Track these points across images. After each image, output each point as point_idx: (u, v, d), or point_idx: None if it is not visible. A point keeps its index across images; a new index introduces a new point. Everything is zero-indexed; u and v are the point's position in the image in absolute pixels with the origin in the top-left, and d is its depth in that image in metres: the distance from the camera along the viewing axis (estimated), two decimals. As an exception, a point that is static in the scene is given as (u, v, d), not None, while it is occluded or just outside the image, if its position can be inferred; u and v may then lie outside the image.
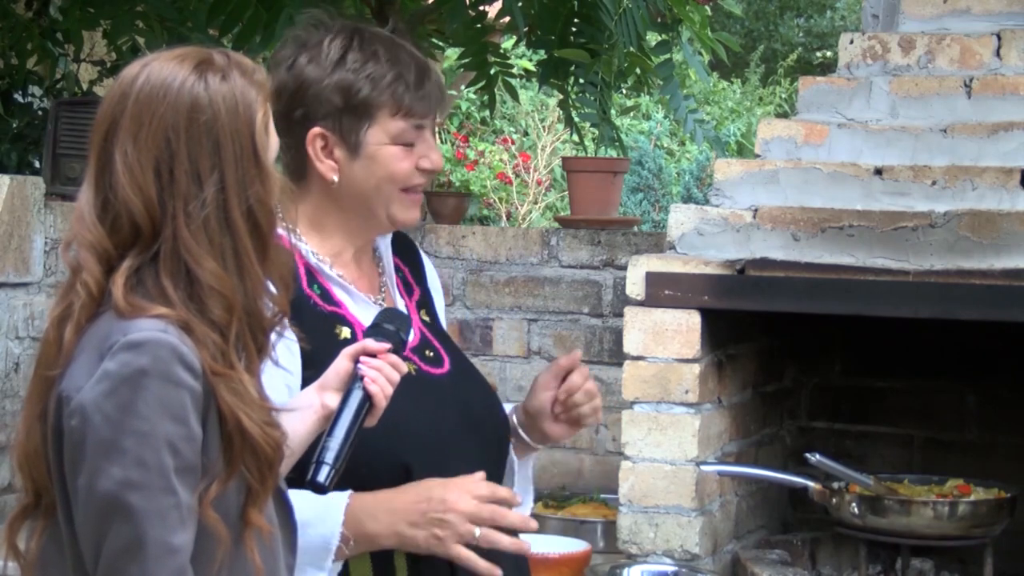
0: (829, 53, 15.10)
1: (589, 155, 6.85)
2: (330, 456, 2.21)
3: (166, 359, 1.89)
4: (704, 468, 3.74)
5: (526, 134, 11.19)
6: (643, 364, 3.77)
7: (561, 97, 5.99)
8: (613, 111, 6.15)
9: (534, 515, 4.20)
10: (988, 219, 3.64)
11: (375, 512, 2.39)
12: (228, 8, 5.18)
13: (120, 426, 1.87)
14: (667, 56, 5.69)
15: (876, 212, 3.75)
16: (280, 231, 2.54)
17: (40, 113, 6.15)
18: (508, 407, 2.76)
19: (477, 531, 2.38)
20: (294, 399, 2.28)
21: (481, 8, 5.65)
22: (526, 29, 5.67)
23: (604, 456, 4.87)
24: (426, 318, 2.69)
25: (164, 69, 1.99)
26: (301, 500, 2.23)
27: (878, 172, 3.87)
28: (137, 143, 1.96)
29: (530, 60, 9.61)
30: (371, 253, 2.67)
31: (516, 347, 4.97)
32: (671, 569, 3.62)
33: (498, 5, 5.58)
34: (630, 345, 3.79)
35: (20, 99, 6.28)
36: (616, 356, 4.12)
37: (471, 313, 4.99)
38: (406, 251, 2.75)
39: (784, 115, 11.86)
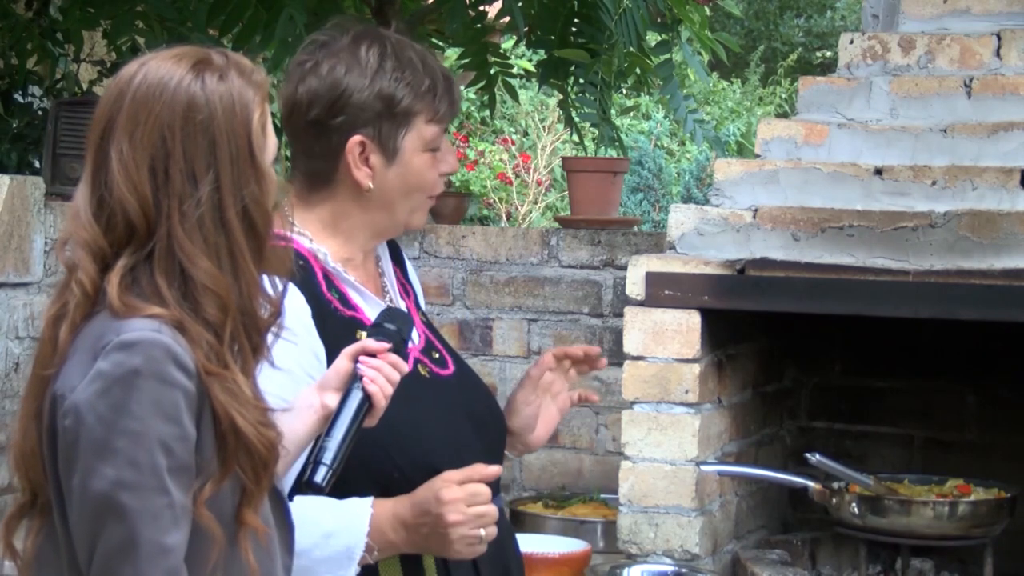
0: (829, 53, 15.10)
1: (589, 155, 6.85)
2: (328, 456, 2.20)
3: (159, 359, 1.89)
4: (704, 468, 3.73)
5: (526, 134, 11.19)
6: (643, 364, 3.77)
7: (561, 97, 5.99)
8: (613, 111, 6.15)
9: (534, 515, 4.21)
10: (988, 219, 3.64)
11: (394, 525, 2.42)
12: (228, 8, 5.18)
13: (113, 426, 1.87)
14: (667, 56, 5.69)
15: (876, 212, 3.75)
16: (295, 236, 2.57)
17: (40, 113, 6.15)
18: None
19: (483, 532, 2.40)
20: (293, 399, 2.27)
21: (481, 8, 5.65)
22: (526, 29, 5.67)
23: (604, 456, 4.86)
24: (423, 318, 2.73)
25: (161, 68, 1.99)
26: (324, 510, 2.24)
27: (878, 172, 3.87)
28: (133, 141, 1.96)
29: (530, 60, 9.61)
30: (373, 258, 2.70)
31: (516, 347, 4.97)
32: (671, 569, 3.61)
33: (498, 5, 5.58)
34: (630, 345, 3.79)
35: (20, 99, 6.28)
36: (616, 356, 4.12)
37: (471, 313, 4.99)
38: (394, 253, 2.78)
39: (784, 115, 11.86)
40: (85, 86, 6.33)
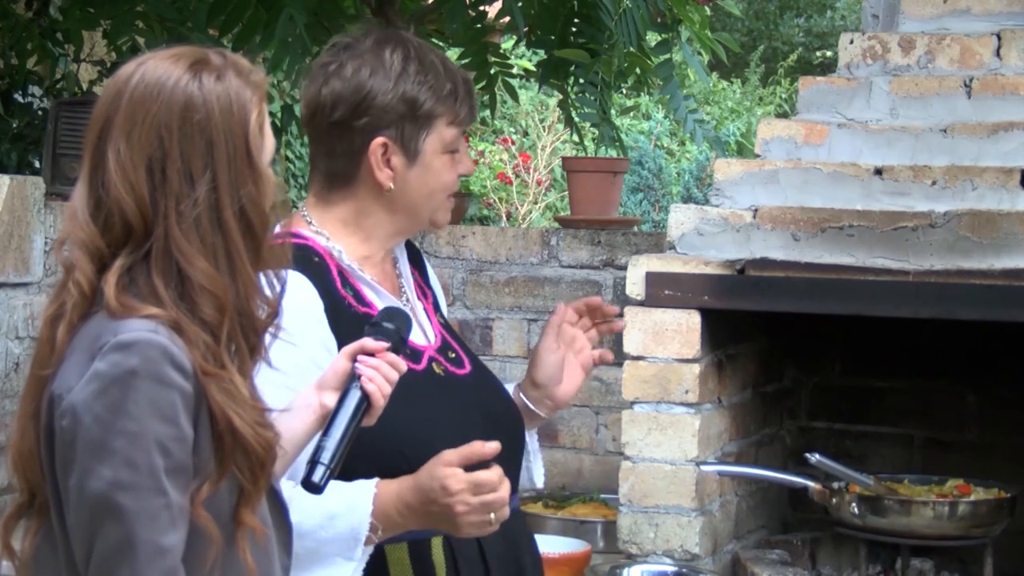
0: (829, 53, 15.10)
1: (589, 155, 6.85)
2: (326, 456, 2.20)
3: (156, 359, 1.89)
4: (704, 468, 3.73)
5: (526, 134, 11.19)
6: (643, 364, 3.77)
7: (561, 97, 5.99)
8: (613, 111, 6.15)
9: (534, 515, 4.21)
10: (988, 219, 3.64)
11: (398, 506, 2.41)
12: (228, 8, 5.18)
13: (110, 427, 1.87)
14: (667, 56, 5.69)
15: (876, 212, 3.75)
16: (308, 233, 2.57)
17: (40, 113, 6.15)
18: (510, 387, 2.79)
19: (492, 515, 2.40)
20: (292, 399, 2.27)
21: (481, 8, 5.65)
22: (526, 29, 5.67)
23: (604, 456, 4.86)
24: (441, 320, 2.75)
25: (159, 68, 1.99)
26: (329, 492, 2.24)
27: (878, 172, 3.87)
28: (130, 141, 1.96)
29: (529, 60, 9.61)
30: (391, 258, 2.73)
31: (516, 347, 4.97)
32: (671, 569, 3.61)
33: (498, 5, 5.58)
34: (630, 345, 3.79)
35: (20, 99, 6.28)
36: (616, 356, 4.12)
37: (471, 313, 4.99)
38: (414, 256, 2.81)
39: (784, 115, 11.86)
40: (85, 86, 6.33)
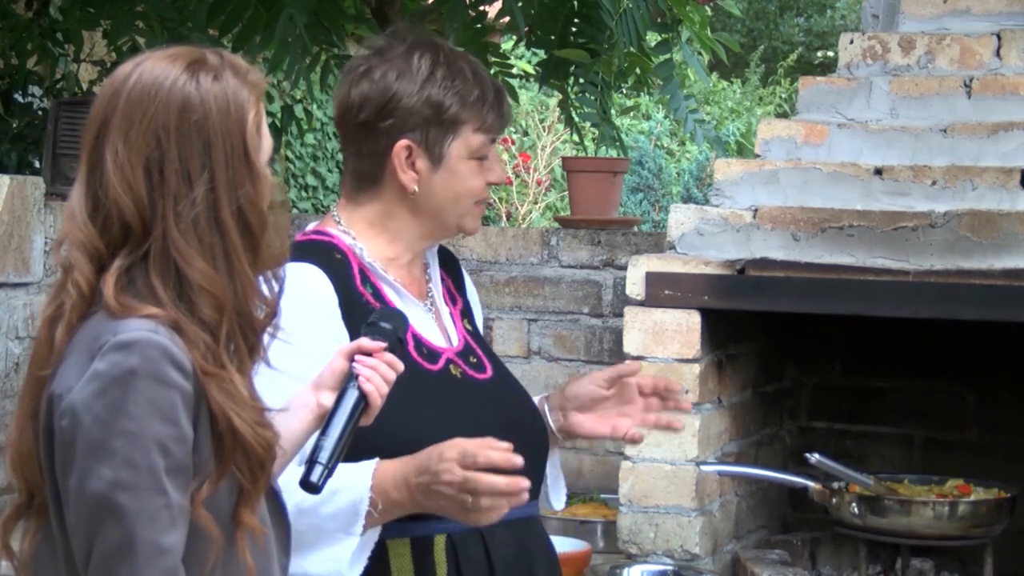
0: (830, 53, 15.10)
1: (589, 155, 6.85)
2: (324, 456, 2.20)
3: (156, 359, 1.88)
4: (704, 468, 3.73)
5: (526, 134, 11.20)
6: (643, 364, 3.77)
7: (561, 97, 5.99)
8: (613, 111, 6.15)
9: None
10: (988, 219, 3.64)
11: (396, 482, 2.41)
12: (228, 8, 5.18)
13: (110, 427, 1.87)
14: (667, 56, 5.69)
15: (876, 212, 3.75)
16: (335, 232, 2.57)
17: (40, 113, 6.15)
18: (536, 397, 2.78)
19: (469, 498, 2.36)
20: (289, 398, 2.27)
21: (481, 8, 5.65)
22: (526, 29, 5.67)
23: (604, 456, 4.86)
24: (468, 327, 2.74)
25: (156, 68, 1.99)
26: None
27: (878, 172, 3.87)
28: (128, 142, 1.96)
29: (529, 62, 9.61)
30: (421, 263, 2.73)
31: (516, 347, 4.97)
32: (671, 569, 3.61)
33: (498, 5, 5.59)
34: (630, 345, 3.79)
35: (20, 99, 6.29)
36: (616, 356, 4.12)
37: (471, 313, 4.98)
38: (449, 264, 2.82)
39: (784, 115, 11.86)
40: (85, 86, 6.33)
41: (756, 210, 3.85)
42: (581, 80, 5.41)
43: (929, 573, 3.85)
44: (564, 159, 5.94)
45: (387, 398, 2.29)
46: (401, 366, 2.30)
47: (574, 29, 5.59)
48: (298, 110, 8.51)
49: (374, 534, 2.45)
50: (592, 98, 5.31)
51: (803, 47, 16.56)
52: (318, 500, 2.33)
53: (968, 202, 3.76)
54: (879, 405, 4.33)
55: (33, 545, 1.99)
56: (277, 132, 7.04)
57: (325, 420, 2.24)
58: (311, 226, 2.69)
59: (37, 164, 5.90)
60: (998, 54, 4.06)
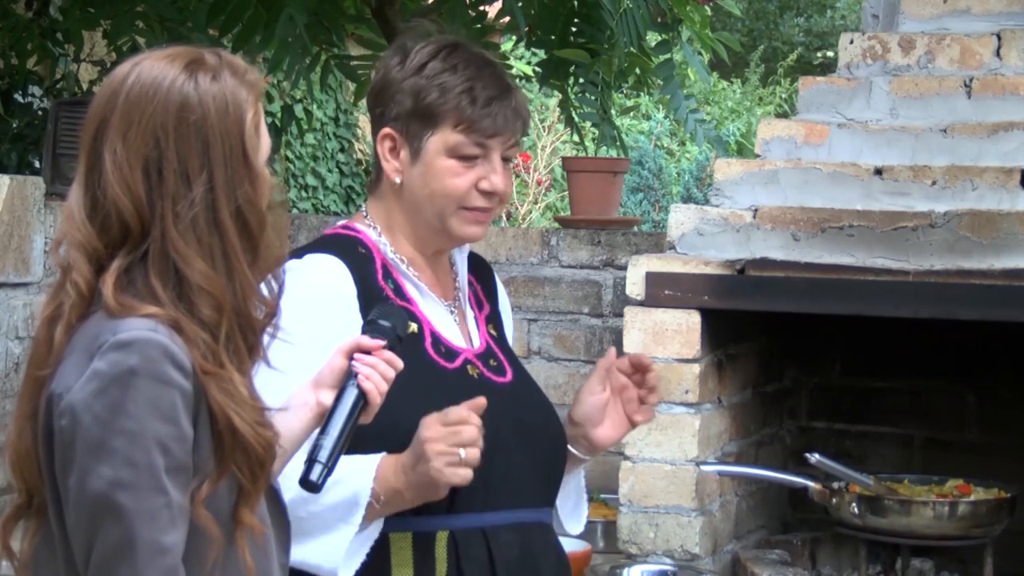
0: (830, 53, 15.10)
1: (589, 155, 6.85)
2: (323, 455, 2.20)
3: (156, 358, 1.88)
4: (704, 468, 3.73)
5: (526, 134, 11.19)
6: (643, 364, 3.76)
7: (561, 97, 5.99)
8: (613, 111, 6.15)
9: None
10: (988, 219, 3.64)
11: (395, 470, 2.41)
12: (228, 8, 5.18)
13: (110, 426, 1.86)
14: (667, 56, 5.69)
15: (876, 212, 3.75)
16: (361, 227, 2.58)
17: (40, 113, 6.15)
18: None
19: (462, 452, 2.36)
20: (289, 397, 2.27)
21: (481, 8, 5.65)
22: (526, 29, 5.67)
23: (604, 456, 4.83)
24: (493, 332, 2.72)
25: (154, 68, 1.99)
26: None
27: (878, 172, 3.87)
28: (126, 142, 1.95)
29: (528, 63, 9.61)
30: (447, 265, 2.71)
31: (516, 347, 4.92)
32: (671, 569, 3.61)
33: (498, 5, 5.59)
34: (630, 345, 3.79)
35: (20, 99, 6.29)
36: (616, 356, 4.10)
37: (471, 313, 4.98)
38: (481, 271, 2.79)
39: (784, 115, 11.86)
40: (85, 86, 6.33)
41: (756, 210, 3.85)
42: (581, 80, 5.41)
43: (929, 573, 3.85)
44: (564, 159, 5.94)
45: (398, 393, 2.29)
46: (400, 364, 2.30)
47: (574, 29, 5.60)
48: (298, 110, 8.51)
49: (375, 530, 2.45)
50: (592, 98, 5.31)
51: (803, 47, 16.56)
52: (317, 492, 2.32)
53: (968, 202, 3.76)
54: (879, 405, 4.33)
55: (33, 545, 1.99)
56: (277, 132, 7.04)
57: (325, 418, 2.24)
58: (343, 221, 2.70)
59: (37, 164, 5.90)
60: (998, 54, 4.06)
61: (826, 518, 3.91)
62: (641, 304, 3.78)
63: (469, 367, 2.60)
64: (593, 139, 8.02)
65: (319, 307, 2.45)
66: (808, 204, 3.85)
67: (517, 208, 10.17)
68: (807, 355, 4.34)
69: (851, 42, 4.21)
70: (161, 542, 1.87)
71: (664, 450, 3.75)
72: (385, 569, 2.49)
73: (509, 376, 2.65)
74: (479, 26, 5.61)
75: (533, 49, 6.29)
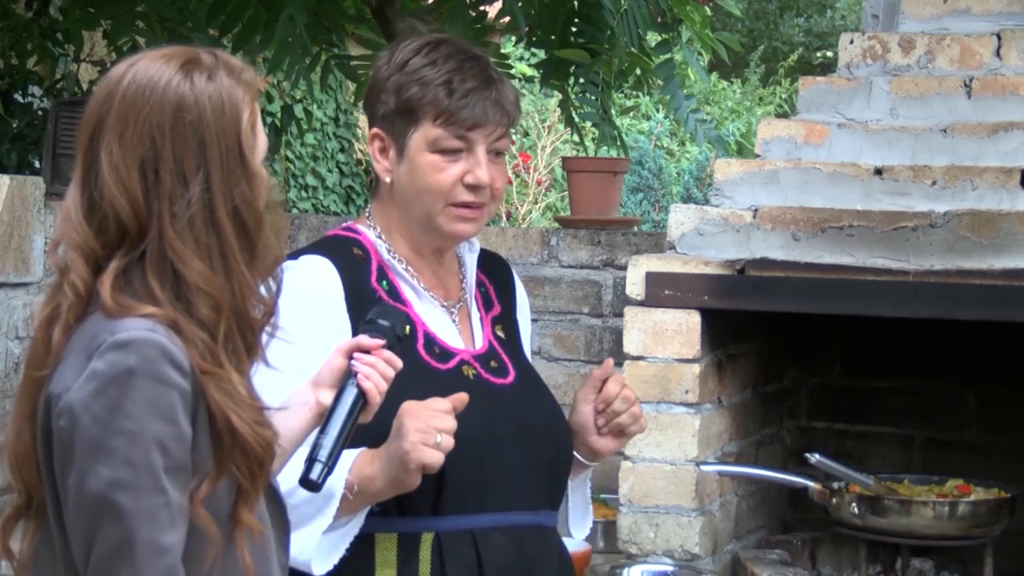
0: (830, 53, 15.10)
1: (589, 155, 6.86)
2: (323, 454, 2.20)
3: (154, 358, 1.88)
4: (704, 468, 3.73)
5: (526, 134, 11.20)
6: (643, 364, 3.77)
7: (561, 97, 5.99)
8: (613, 111, 6.16)
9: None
10: (988, 219, 3.64)
11: (371, 458, 2.39)
12: (228, 8, 5.18)
13: (109, 426, 1.86)
14: (667, 56, 5.69)
15: (876, 212, 3.75)
16: (363, 228, 2.58)
17: (40, 113, 6.16)
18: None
19: (439, 437, 2.34)
20: (288, 396, 2.27)
21: (481, 8, 5.65)
22: (526, 29, 5.67)
23: (604, 456, 4.86)
24: (500, 334, 2.68)
25: (150, 68, 1.99)
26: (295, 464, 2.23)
27: (878, 172, 3.87)
28: (123, 142, 1.95)
29: (528, 64, 9.62)
30: (455, 265, 2.69)
31: (516, 347, 4.96)
32: (671, 569, 3.61)
33: (498, 5, 5.59)
34: (630, 345, 3.79)
35: (20, 99, 6.29)
36: (616, 356, 4.10)
37: (471, 313, 4.98)
38: (495, 270, 2.76)
39: (784, 115, 11.85)
40: (85, 86, 6.33)
41: (756, 210, 3.85)
42: (581, 80, 5.41)
43: (929, 573, 3.85)
44: (564, 159, 5.94)
45: (388, 394, 2.28)
46: (399, 363, 2.30)
47: (574, 29, 5.60)
48: (298, 110, 8.51)
49: (355, 526, 2.43)
50: (592, 98, 5.32)
51: (803, 47, 16.56)
52: (297, 484, 2.30)
53: (968, 202, 3.76)
54: (879, 405, 4.33)
55: (32, 546, 1.99)
56: (277, 132, 7.04)
57: (324, 418, 2.24)
58: (346, 223, 2.69)
59: (37, 164, 5.91)
60: (998, 54, 4.06)
61: (826, 518, 3.91)
62: (641, 304, 3.78)
63: (465, 368, 2.57)
64: (593, 139, 8.02)
65: (304, 308, 2.44)
66: (808, 204, 3.85)
67: (517, 208, 10.17)
68: (807, 355, 4.34)
69: (851, 42, 4.21)
70: (160, 542, 1.87)
71: (664, 450, 3.75)
72: (368, 569, 2.47)
73: (511, 378, 2.62)
74: (479, 26, 5.61)
75: (533, 49, 6.29)
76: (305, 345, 2.35)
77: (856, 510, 3.73)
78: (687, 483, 3.74)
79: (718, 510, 3.88)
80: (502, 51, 6.12)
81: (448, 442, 2.36)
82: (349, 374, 2.25)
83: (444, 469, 2.40)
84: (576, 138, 6.13)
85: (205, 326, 1.94)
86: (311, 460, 2.20)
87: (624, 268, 3.99)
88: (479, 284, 2.71)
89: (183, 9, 5.45)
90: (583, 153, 6.62)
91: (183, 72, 1.98)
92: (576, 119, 5.82)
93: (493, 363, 2.62)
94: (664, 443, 3.75)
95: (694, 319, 3.74)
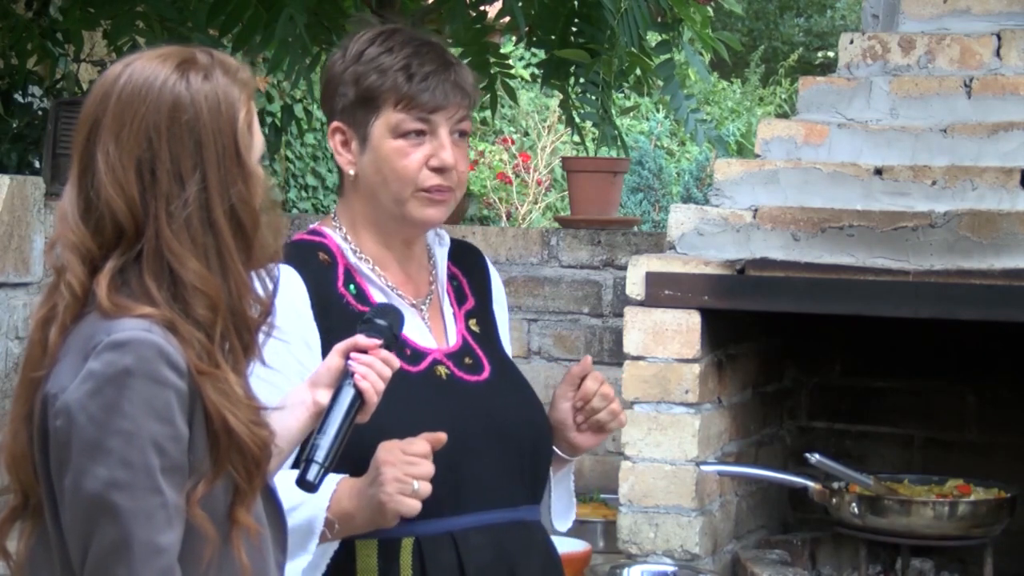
0: (831, 53, 15.09)
1: (589, 155, 6.87)
2: (320, 455, 2.20)
3: (151, 358, 1.88)
4: (704, 468, 3.73)
5: (526, 134, 11.20)
6: (643, 364, 3.77)
7: (561, 97, 5.99)
8: (614, 111, 6.16)
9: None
10: (988, 219, 3.64)
11: (350, 493, 2.38)
12: (228, 8, 5.18)
13: (105, 426, 1.86)
14: (667, 56, 5.69)
15: (876, 212, 3.75)
16: (328, 230, 2.57)
17: (40, 113, 6.16)
18: None
19: (416, 484, 2.34)
20: (285, 396, 2.27)
21: (481, 8, 5.65)
22: (526, 29, 5.67)
23: (604, 456, 4.86)
24: (475, 328, 2.67)
25: (146, 68, 1.99)
26: (290, 482, 2.22)
27: (878, 172, 3.87)
28: (119, 143, 1.95)
29: (527, 66, 9.62)
30: (424, 260, 2.67)
31: (516, 347, 4.97)
32: (671, 569, 3.61)
33: (498, 5, 5.59)
34: (630, 345, 3.78)
35: (20, 99, 6.29)
36: (616, 356, 4.11)
37: (471, 313, 4.98)
38: (468, 262, 2.75)
39: (784, 115, 11.85)
40: (85, 86, 6.33)
41: (756, 210, 3.85)
42: (581, 80, 5.41)
43: (929, 573, 3.85)
44: (564, 159, 5.94)
45: None
46: (397, 363, 2.29)
47: (574, 29, 5.60)
48: (298, 110, 8.51)
49: (335, 543, 2.42)
50: (593, 98, 5.32)
51: (803, 47, 16.56)
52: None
53: (968, 202, 3.76)
54: (879, 405, 4.33)
55: (29, 546, 1.99)
56: (277, 132, 7.04)
57: (321, 418, 2.24)
58: (312, 226, 2.67)
59: (37, 164, 5.91)
60: (998, 54, 4.06)
61: (826, 518, 3.91)
62: (641, 304, 3.78)
63: (438, 367, 2.56)
64: (593, 139, 8.03)
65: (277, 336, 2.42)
66: (808, 204, 3.85)
67: (517, 208, 10.17)
68: (807, 355, 4.34)
69: (851, 42, 4.21)
70: (157, 542, 1.86)
71: (664, 450, 3.75)
72: None
73: (486, 374, 2.61)
74: (479, 26, 5.61)
75: (533, 49, 6.29)
76: (272, 356, 2.33)
77: (856, 510, 3.73)
78: (687, 483, 3.74)
79: (718, 510, 3.88)
80: (502, 51, 6.11)
81: (426, 488, 2.36)
82: (346, 374, 2.25)
83: None
84: (576, 138, 6.13)
85: (202, 326, 1.94)
86: (308, 461, 2.20)
87: (624, 268, 3.99)
88: (451, 278, 2.69)
89: (183, 9, 5.45)
90: (583, 153, 6.62)
91: (179, 72, 1.98)
92: (576, 119, 5.82)
93: (467, 360, 2.61)
94: (664, 443, 3.75)
95: (694, 319, 3.74)
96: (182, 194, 1.95)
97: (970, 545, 3.80)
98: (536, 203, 10.28)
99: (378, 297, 2.56)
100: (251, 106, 2.03)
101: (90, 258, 1.95)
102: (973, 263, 3.62)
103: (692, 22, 5.81)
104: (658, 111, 11.79)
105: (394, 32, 2.58)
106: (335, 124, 2.57)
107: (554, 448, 2.68)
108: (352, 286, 2.55)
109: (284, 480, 2.23)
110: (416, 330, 2.57)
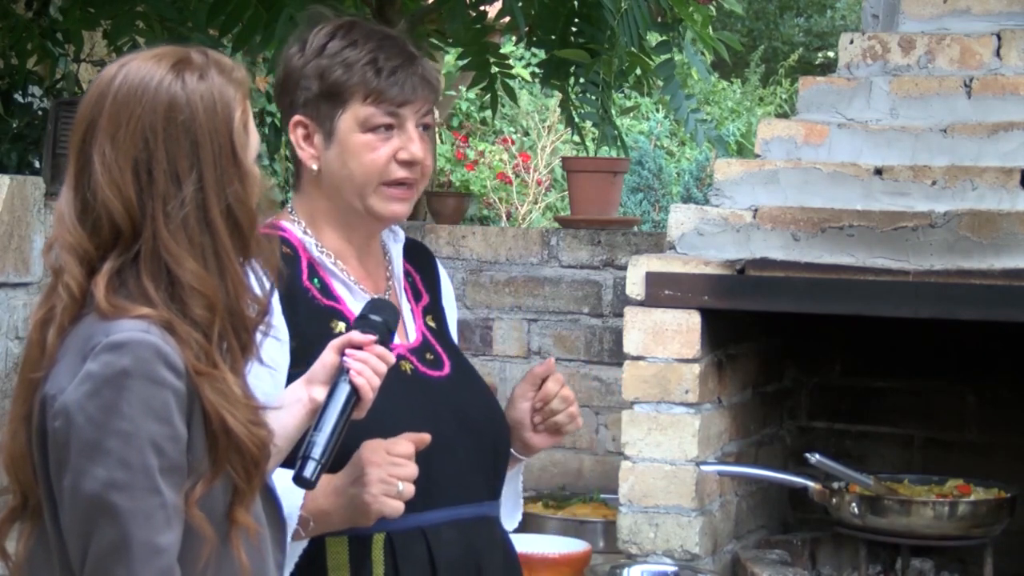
0: (830, 53, 15.09)
1: (589, 155, 6.87)
2: (316, 451, 2.20)
3: (149, 359, 1.88)
4: (704, 468, 3.73)
5: (526, 134, 11.19)
6: (643, 364, 3.77)
7: (561, 97, 5.99)
8: (614, 111, 6.16)
9: (534, 515, 4.21)
10: (988, 219, 3.64)
11: (326, 492, 2.38)
12: (228, 8, 5.18)
13: (104, 427, 1.86)
14: (668, 56, 5.69)
15: (876, 212, 3.75)
16: (287, 224, 2.55)
17: (40, 113, 6.16)
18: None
19: (401, 485, 2.35)
20: (282, 394, 2.27)
21: (481, 8, 5.65)
22: (526, 29, 5.67)
23: (604, 456, 4.86)
24: (432, 324, 2.68)
25: (142, 69, 1.99)
26: (281, 479, 2.22)
27: (878, 172, 3.87)
28: (115, 144, 1.95)
29: (526, 67, 9.61)
30: (381, 256, 2.67)
31: (516, 347, 4.97)
32: (671, 569, 3.61)
33: (498, 5, 5.59)
34: (630, 345, 3.78)
35: (20, 99, 6.29)
36: (616, 356, 4.10)
37: (471, 313, 4.99)
38: (420, 259, 2.75)
39: (784, 115, 11.85)
40: (85, 86, 6.33)
41: (756, 210, 3.85)
42: (581, 80, 5.41)
43: (929, 573, 3.85)
44: (564, 159, 5.94)
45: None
46: (392, 359, 2.29)
47: (574, 29, 5.60)
48: (298, 110, 8.48)
49: (305, 540, 2.41)
50: (593, 98, 5.32)
51: (803, 47, 16.55)
52: None
53: (968, 202, 3.76)
54: (879, 405, 4.33)
55: (28, 547, 1.99)
56: (277, 132, 7.03)
57: (318, 415, 2.24)
58: (269, 219, 2.65)
59: (37, 164, 5.90)
60: (998, 54, 4.06)
61: (826, 518, 3.91)
62: (641, 304, 3.78)
63: (403, 363, 2.55)
64: (593, 139, 8.03)
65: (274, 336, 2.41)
66: (808, 204, 3.85)
67: (517, 208, 10.17)
68: (807, 355, 4.34)
69: (851, 42, 4.21)
70: (156, 542, 1.87)
71: (664, 450, 3.75)
72: (321, 573, 2.46)
73: (447, 369, 2.62)
74: (479, 26, 5.61)
75: (533, 49, 6.29)
76: (273, 371, 2.32)
77: (856, 510, 3.73)
78: (687, 483, 3.74)
79: (718, 510, 3.88)
80: (502, 51, 6.11)
81: (409, 490, 2.36)
82: (342, 370, 2.25)
83: None
84: (576, 138, 6.13)
85: (199, 326, 1.94)
86: (305, 458, 2.20)
87: (624, 268, 3.99)
88: (406, 274, 2.69)
89: (183, 9, 5.45)
90: (583, 153, 6.62)
91: (174, 72, 1.98)
92: (576, 119, 5.82)
93: (428, 355, 2.61)
94: (664, 443, 3.75)
95: (694, 319, 3.74)
96: (179, 194, 1.95)
97: (970, 545, 3.80)
98: (536, 203, 10.28)
99: (341, 291, 2.55)
100: (247, 105, 2.03)
101: (87, 259, 1.95)
102: (973, 263, 3.62)
103: (692, 22, 5.81)
104: (658, 111, 11.79)
105: (353, 25, 2.58)
106: (297, 118, 2.55)
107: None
108: (316, 280, 2.54)
109: (277, 477, 2.23)
110: None
